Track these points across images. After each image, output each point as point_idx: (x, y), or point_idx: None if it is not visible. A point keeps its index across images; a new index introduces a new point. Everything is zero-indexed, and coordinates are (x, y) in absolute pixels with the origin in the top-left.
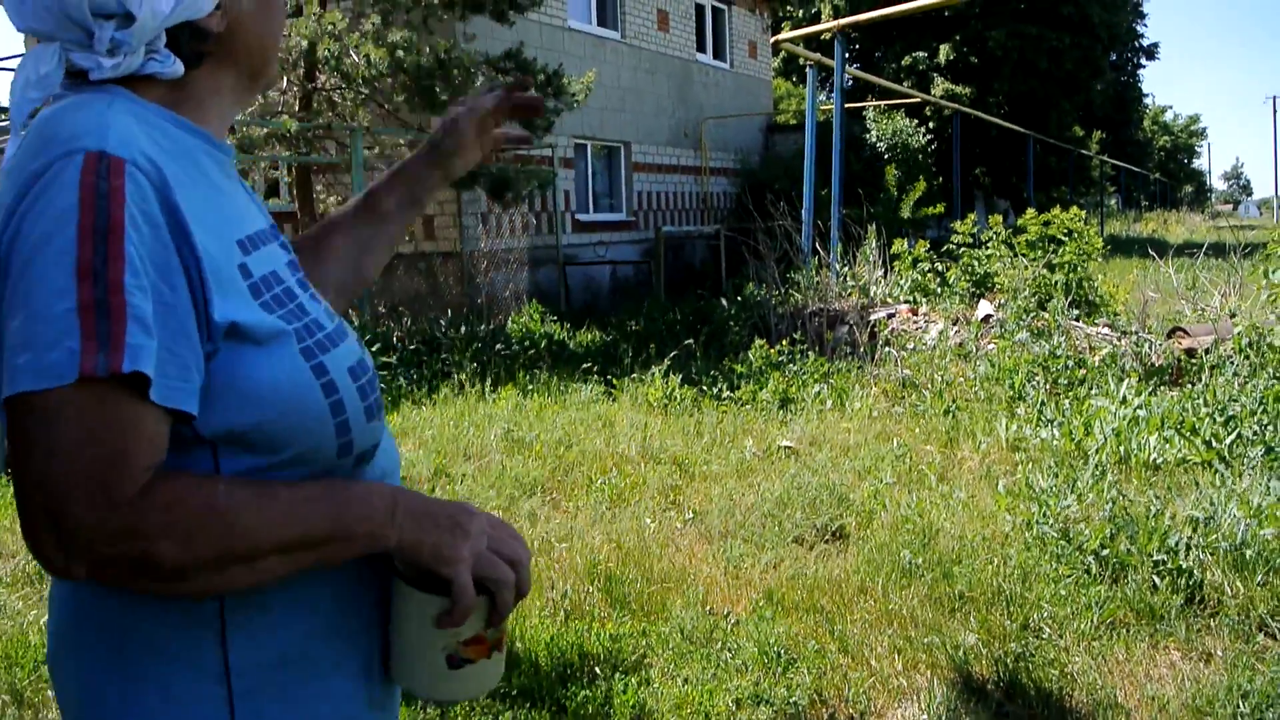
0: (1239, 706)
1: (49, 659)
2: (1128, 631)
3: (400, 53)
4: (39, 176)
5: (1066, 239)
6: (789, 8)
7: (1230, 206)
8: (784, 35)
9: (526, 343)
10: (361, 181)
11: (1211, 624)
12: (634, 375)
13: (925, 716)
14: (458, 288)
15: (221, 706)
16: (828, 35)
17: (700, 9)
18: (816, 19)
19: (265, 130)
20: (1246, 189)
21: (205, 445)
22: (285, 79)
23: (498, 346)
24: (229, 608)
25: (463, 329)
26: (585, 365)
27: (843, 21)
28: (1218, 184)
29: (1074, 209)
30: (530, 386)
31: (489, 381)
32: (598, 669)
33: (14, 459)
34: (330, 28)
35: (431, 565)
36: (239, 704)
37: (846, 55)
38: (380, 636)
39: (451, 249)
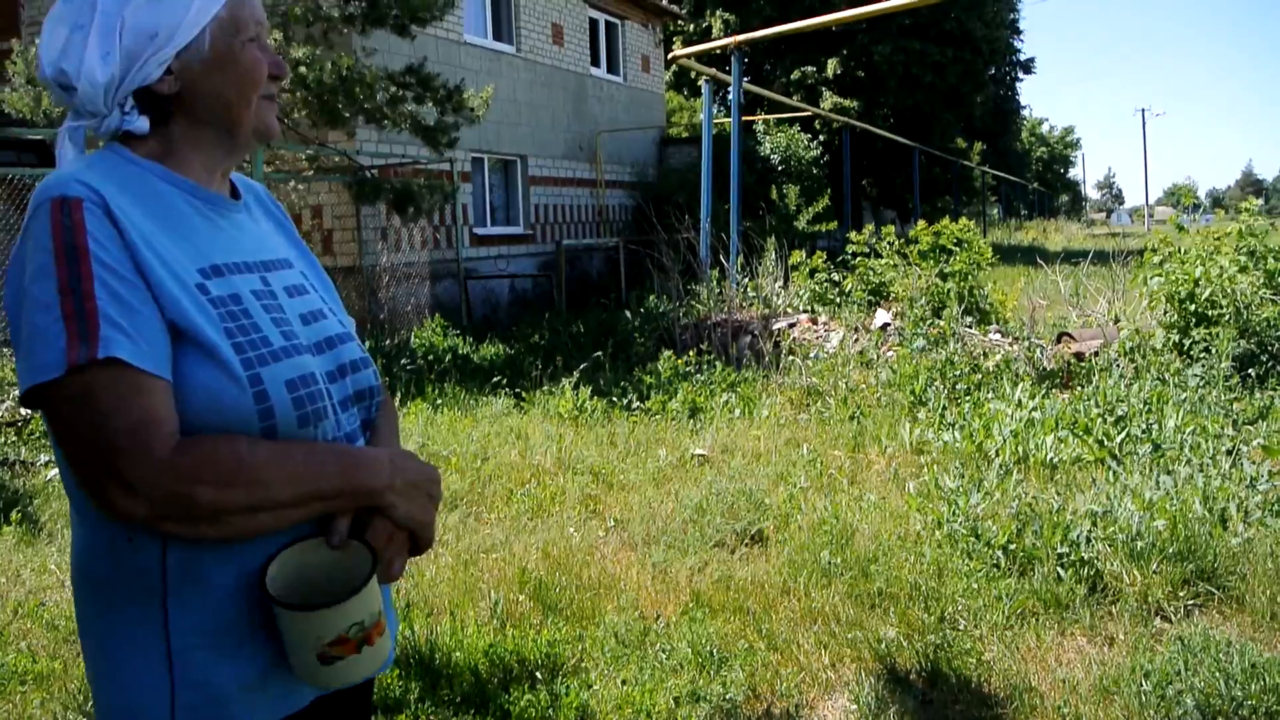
0: (1142, 685)
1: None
2: (1037, 620)
3: (303, 68)
4: (27, 227)
5: (957, 249)
6: (680, 23)
7: (1104, 215)
8: (680, 51)
9: (431, 357)
10: None
11: (1113, 611)
12: (543, 388)
13: (855, 707)
14: (360, 303)
15: (162, 657)
16: (720, 51)
17: (594, 23)
18: (707, 34)
19: None
20: (1119, 198)
21: None
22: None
23: (403, 361)
24: (171, 579)
25: (367, 344)
26: (494, 379)
27: (739, 38)
28: (1092, 193)
29: (964, 220)
30: (439, 401)
31: (397, 396)
32: (538, 674)
33: (59, 439)
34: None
35: (411, 529)
36: (175, 658)
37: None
38: None
39: (352, 264)
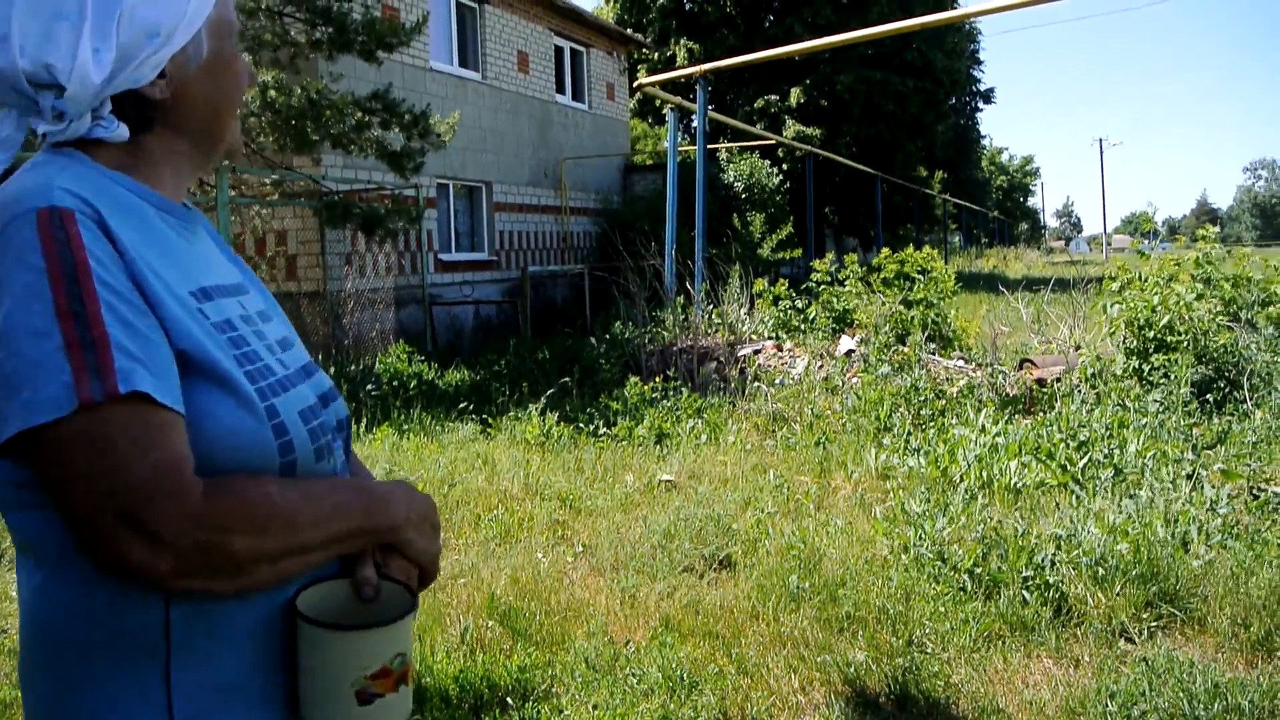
0: (1108, 705)
1: (19, 669)
2: (1003, 643)
3: (272, 92)
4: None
5: (920, 277)
6: (644, 51)
7: (1063, 243)
8: (646, 80)
9: (396, 383)
10: (227, 221)
11: (1078, 633)
12: (510, 414)
13: None
14: (324, 328)
15: None
16: (685, 79)
17: (559, 51)
18: (672, 62)
19: None
20: (1077, 226)
21: None
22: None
23: (369, 387)
24: (174, 636)
25: (331, 370)
26: (460, 405)
27: (704, 67)
28: (1051, 221)
29: (927, 248)
30: (405, 426)
31: (363, 422)
32: (509, 699)
33: (59, 490)
34: None
35: (422, 564)
36: None
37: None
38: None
39: (316, 289)
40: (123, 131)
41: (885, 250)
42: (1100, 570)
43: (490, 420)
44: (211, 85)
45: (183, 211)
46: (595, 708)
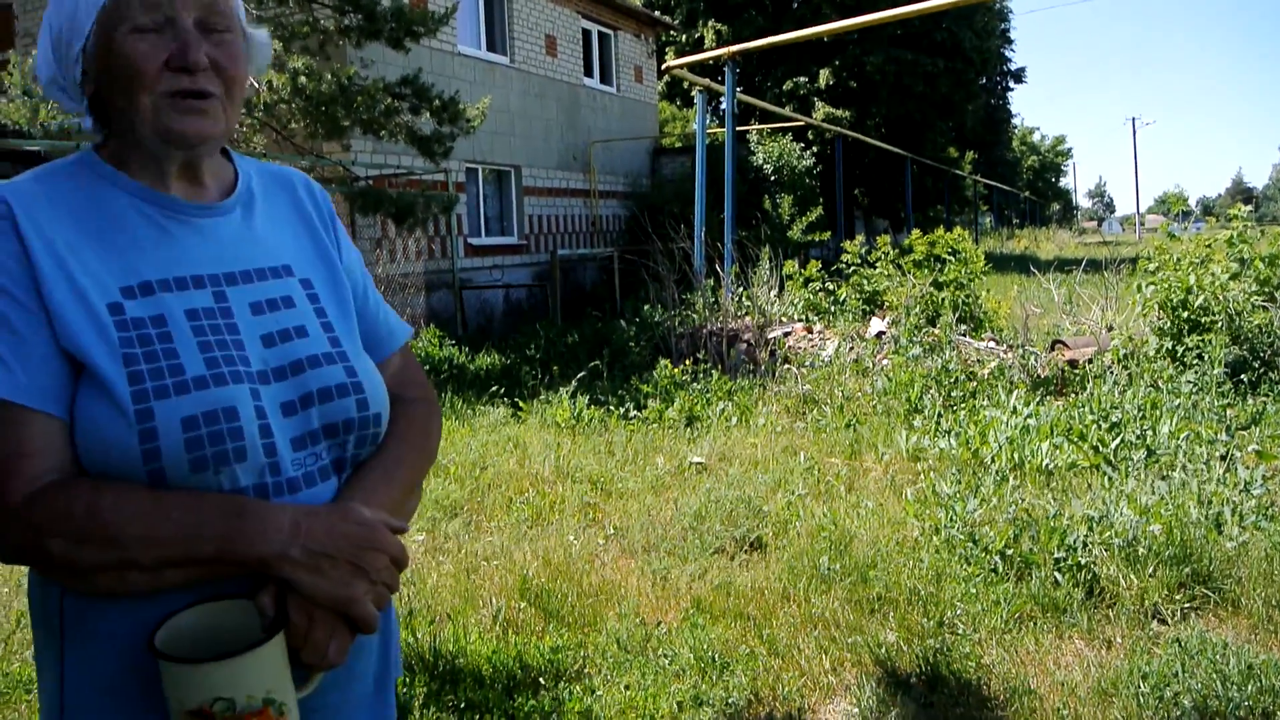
0: (1139, 687)
1: None
2: (1035, 624)
3: (302, 79)
4: None
5: (951, 258)
6: (672, 33)
7: (1095, 223)
8: (674, 62)
9: (427, 367)
10: None
11: (1110, 614)
12: (540, 397)
13: (856, 710)
14: None
15: (57, 708)
16: (713, 61)
17: (587, 34)
18: (700, 44)
19: None
20: (1110, 206)
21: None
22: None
23: None
24: (67, 625)
25: None
26: (491, 388)
27: (732, 49)
28: (1083, 202)
29: (958, 229)
30: None
31: None
32: (541, 680)
33: None
34: None
35: (325, 605)
36: (67, 711)
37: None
38: None
39: None
40: (88, 121)
41: (915, 232)
42: (1133, 552)
43: (521, 404)
44: (105, 76)
45: (170, 200)
46: (627, 688)
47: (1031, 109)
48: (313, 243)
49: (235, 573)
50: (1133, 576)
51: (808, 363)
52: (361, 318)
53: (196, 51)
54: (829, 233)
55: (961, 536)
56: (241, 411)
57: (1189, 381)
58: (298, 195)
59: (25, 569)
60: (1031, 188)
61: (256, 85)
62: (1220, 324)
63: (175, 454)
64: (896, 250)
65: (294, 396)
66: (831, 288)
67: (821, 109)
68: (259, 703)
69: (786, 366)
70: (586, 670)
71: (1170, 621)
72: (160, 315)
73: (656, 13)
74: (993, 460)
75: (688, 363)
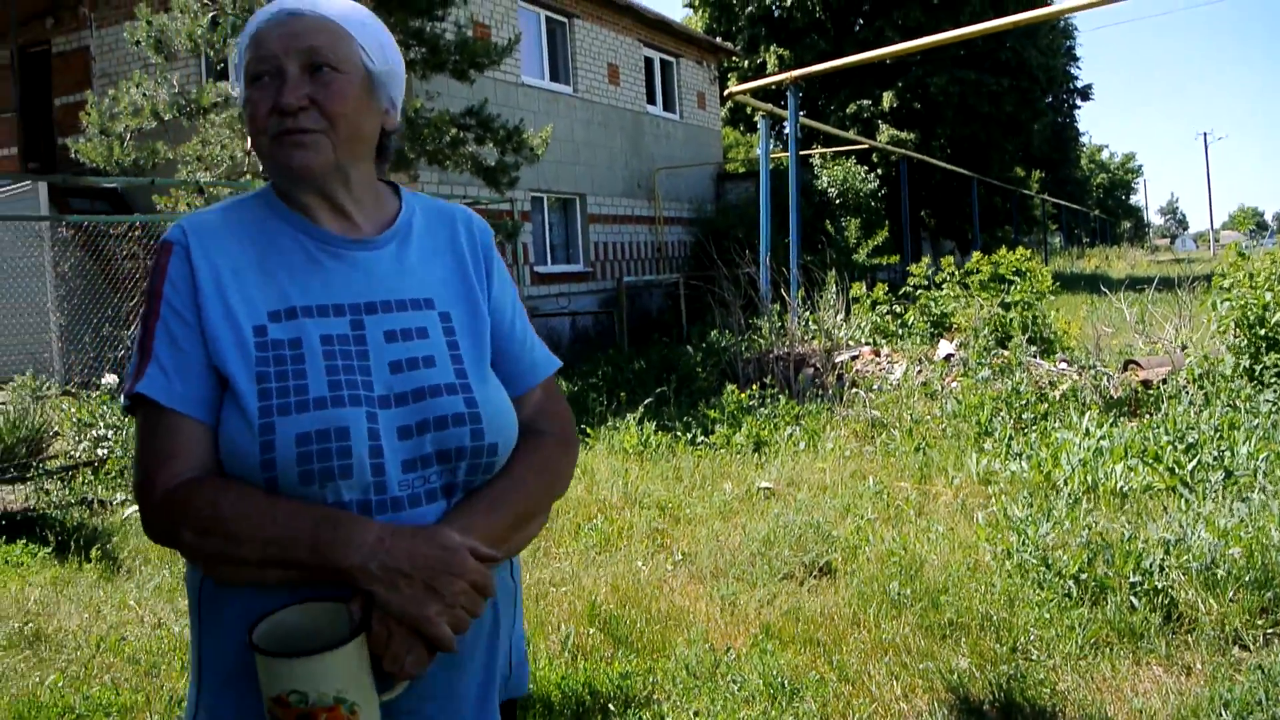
0: (1221, 715)
1: None
2: (1111, 650)
3: None
4: None
5: (1016, 278)
6: (734, 59)
7: (1168, 241)
8: (737, 88)
9: None
10: None
11: (1189, 640)
12: (607, 423)
13: None
14: None
15: (195, 682)
16: (776, 86)
17: (649, 62)
18: (762, 69)
19: (231, 190)
20: (1182, 223)
21: None
22: (249, 139)
23: None
24: (204, 607)
25: None
26: None
27: (794, 73)
28: (1155, 219)
29: (1021, 249)
30: None
31: None
32: (610, 706)
33: None
34: None
35: (401, 621)
36: (203, 686)
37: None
38: None
39: None
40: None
41: (975, 254)
42: (1211, 576)
43: (589, 430)
44: (245, 116)
45: (323, 234)
46: (696, 715)
47: (1099, 126)
48: (460, 278)
49: (329, 578)
50: (1212, 601)
51: (875, 386)
52: (505, 351)
53: (290, 94)
54: (896, 256)
55: (1034, 561)
56: (353, 432)
57: (1268, 400)
58: (456, 231)
59: None
60: (1101, 206)
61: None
62: None
63: (287, 466)
64: (961, 271)
65: (411, 421)
66: (899, 310)
67: (886, 131)
68: (330, 700)
69: (854, 390)
70: (655, 697)
71: (1252, 648)
72: (297, 339)
73: (718, 39)
74: (1065, 483)
75: (754, 388)
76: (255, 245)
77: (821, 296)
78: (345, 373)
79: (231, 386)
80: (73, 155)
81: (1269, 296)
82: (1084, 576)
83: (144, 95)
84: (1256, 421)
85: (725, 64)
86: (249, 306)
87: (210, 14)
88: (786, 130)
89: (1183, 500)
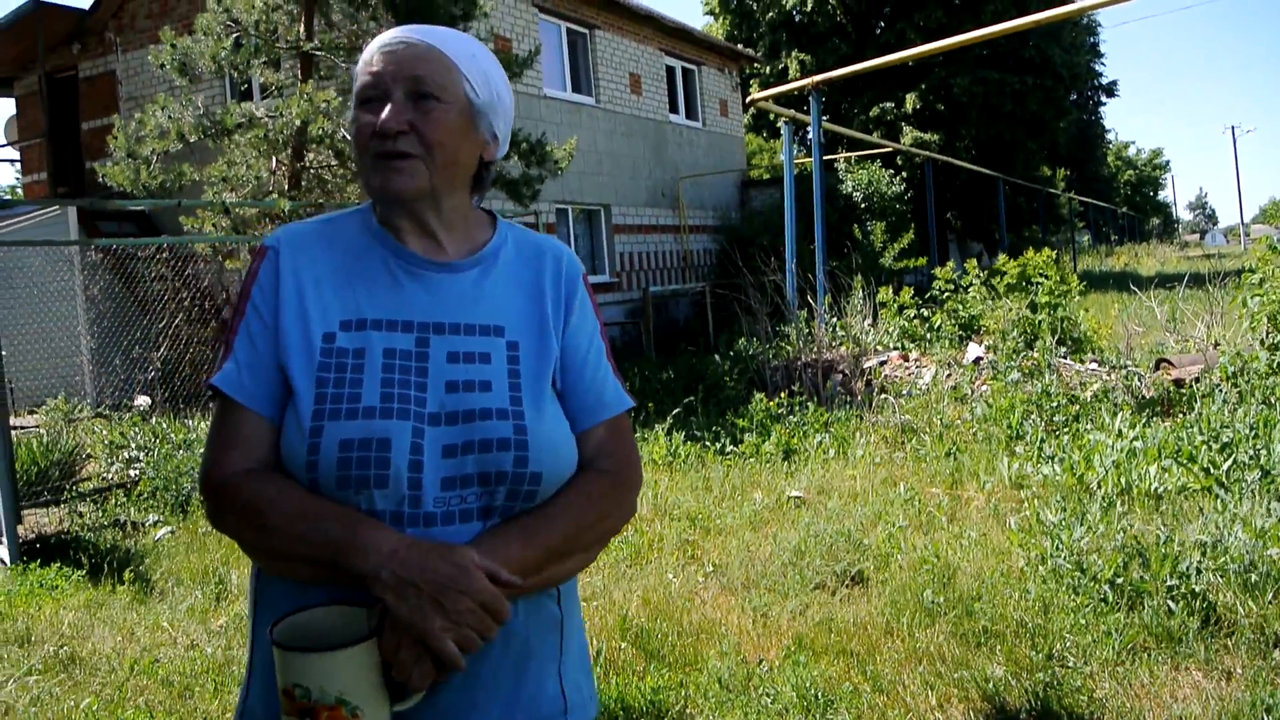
0: (1263, 719)
1: None
2: (1149, 655)
3: None
4: None
5: (1043, 280)
6: (756, 65)
7: (1197, 236)
8: (759, 94)
9: None
10: None
11: (1229, 643)
12: (636, 434)
13: None
14: None
15: (248, 666)
16: (798, 92)
17: (671, 71)
18: (784, 75)
19: (256, 210)
20: (1212, 218)
21: None
22: (274, 159)
23: None
24: (259, 595)
25: None
26: None
27: (816, 78)
28: (1184, 214)
29: (1045, 251)
30: None
31: None
32: None
33: None
34: (324, 105)
35: (407, 630)
36: (254, 671)
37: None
38: None
39: None
40: None
41: (1002, 256)
42: (1250, 578)
43: None
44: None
45: (410, 255)
46: None
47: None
48: (537, 311)
49: (350, 581)
50: (1251, 604)
51: (905, 391)
52: (573, 387)
53: (392, 119)
54: (923, 259)
55: (1069, 566)
56: (395, 443)
57: None
58: (543, 265)
59: None
60: (1129, 203)
61: (350, 136)
62: None
63: (328, 469)
64: (986, 273)
65: (457, 441)
66: (926, 314)
67: (909, 133)
68: (331, 699)
69: (883, 396)
70: (688, 710)
71: None
72: (361, 349)
73: (739, 46)
74: (1099, 486)
75: (783, 395)
76: (343, 257)
77: (848, 302)
78: (400, 386)
79: (292, 387)
80: (100, 179)
81: None
82: (1120, 581)
83: (170, 118)
84: None
85: (747, 70)
86: (323, 314)
87: (233, 35)
88: (810, 135)
89: (1219, 501)
